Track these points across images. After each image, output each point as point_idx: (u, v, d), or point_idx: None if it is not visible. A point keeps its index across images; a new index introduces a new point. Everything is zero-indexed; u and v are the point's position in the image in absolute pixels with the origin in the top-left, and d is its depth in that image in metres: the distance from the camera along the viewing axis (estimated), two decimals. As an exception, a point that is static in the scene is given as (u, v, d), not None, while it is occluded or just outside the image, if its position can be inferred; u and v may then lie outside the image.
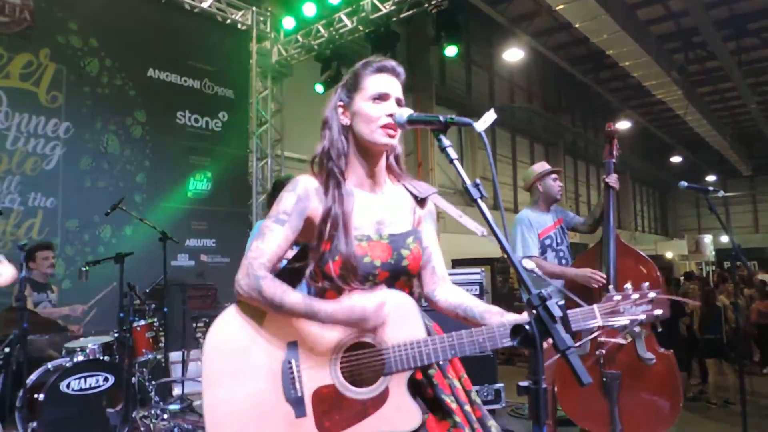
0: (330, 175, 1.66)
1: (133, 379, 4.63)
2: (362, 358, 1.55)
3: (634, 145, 27.24)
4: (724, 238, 22.72)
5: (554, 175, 4.31)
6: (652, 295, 1.60)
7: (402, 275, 1.67)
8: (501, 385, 5.36)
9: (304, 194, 1.66)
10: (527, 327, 1.25)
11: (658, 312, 1.59)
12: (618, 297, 1.60)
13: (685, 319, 6.73)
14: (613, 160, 4.00)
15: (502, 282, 10.61)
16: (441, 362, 1.64)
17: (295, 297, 1.53)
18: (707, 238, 21.99)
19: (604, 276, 3.71)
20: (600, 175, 24.97)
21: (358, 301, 1.54)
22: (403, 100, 1.70)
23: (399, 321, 1.57)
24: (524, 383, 1.27)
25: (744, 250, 4.10)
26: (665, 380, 3.59)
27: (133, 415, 4.38)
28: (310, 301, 1.54)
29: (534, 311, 1.24)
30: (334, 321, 1.53)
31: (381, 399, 1.52)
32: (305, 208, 1.65)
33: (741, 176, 29.99)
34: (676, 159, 28.34)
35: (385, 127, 1.65)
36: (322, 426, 1.50)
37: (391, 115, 1.65)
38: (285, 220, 1.63)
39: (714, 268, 20.60)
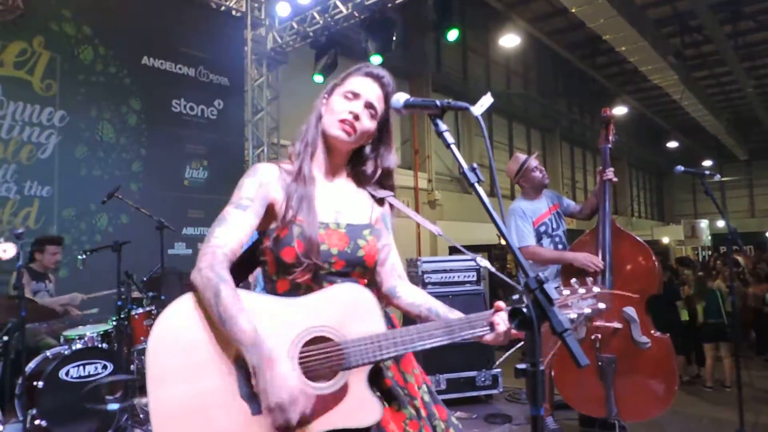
0: (301, 160, 1.69)
1: (132, 367, 4.65)
2: (321, 353, 1.48)
3: (631, 131, 27.25)
4: (720, 223, 22.82)
5: (533, 164, 4.28)
6: (596, 290, 1.68)
7: (357, 266, 1.66)
8: (498, 370, 5.42)
9: (266, 180, 1.65)
10: (525, 310, 1.26)
11: (602, 306, 1.68)
12: (567, 292, 1.68)
13: (680, 303, 6.76)
14: (609, 146, 4.00)
15: (499, 269, 10.64)
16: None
17: (246, 323, 1.39)
18: (703, 223, 22.09)
19: (602, 261, 3.73)
20: (597, 160, 25.04)
21: (287, 382, 1.36)
22: (375, 107, 1.72)
23: (358, 315, 1.53)
24: (521, 366, 1.28)
25: (740, 235, 4.12)
26: (661, 363, 3.63)
27: (133, 403, 4.41)
28: (258, 341, 1.38)
29: (531, 295, 1.25)
30: (261, 385, 1.37)
31: (341, 394, 1.48)
32: (267, 193, 1.63)
33: (737, 161, 30.06)
34: (672, 144, 28.37)
35: (342, 121, 1.68)
36: None
37: (354, 115, 1.67)
38: (248, 206, 1.59)
39: (710, 252, 20.69)
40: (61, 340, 4.54)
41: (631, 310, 3.71)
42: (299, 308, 1.52)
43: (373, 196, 1.80)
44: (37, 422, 3.97)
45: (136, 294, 5.15)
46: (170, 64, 7.74)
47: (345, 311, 1.53)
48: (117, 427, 4.06)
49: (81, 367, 4.20)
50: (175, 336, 1.44)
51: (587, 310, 1.65)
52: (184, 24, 7.97)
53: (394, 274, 1.82)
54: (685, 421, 4.67)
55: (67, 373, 4.14)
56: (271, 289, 1.65)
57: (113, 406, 4.20)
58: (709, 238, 21.93)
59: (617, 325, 3.71)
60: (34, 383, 4.03)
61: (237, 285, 1.49)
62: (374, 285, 1.77)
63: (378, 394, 1.53)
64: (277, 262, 1.60)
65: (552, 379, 3.93)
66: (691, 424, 4.57)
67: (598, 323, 3.74)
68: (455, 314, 1.68)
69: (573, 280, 1.72)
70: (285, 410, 1.34)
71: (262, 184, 1.63)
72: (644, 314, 3.73)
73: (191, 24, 8.05)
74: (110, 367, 4.34)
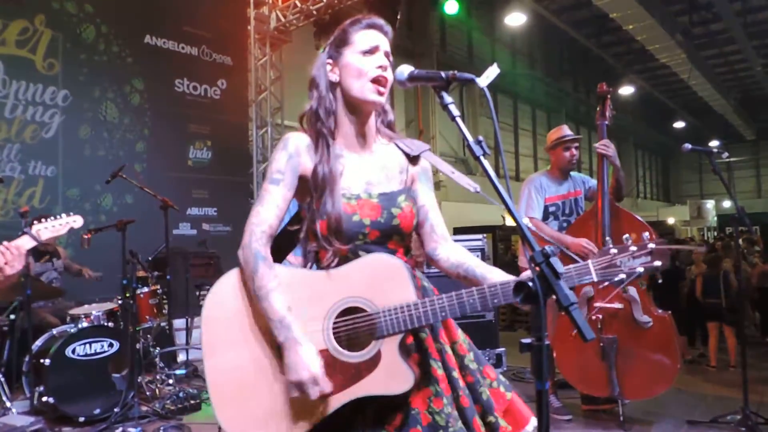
0: (319, 135, 1.66)
1: (138, 345, 4.68)
2: (354, 322, 1.54)
3: (637, 111, 27.03)
4: (727, 204, 22.71)
5: (570, 144, 4.25)
6: (651, 246, 1.50)
7: (394, 234, 1.65)
8: (502, 349, 5.41)
9: (294, 151, 1.65)
10: (530, 284, 1.25)
11: (658, 263, 1.48)
12: (614, 250, 1.51)
13: (684, 284, 6.74)
14: (606, 122, 3.95)
15: (504, 249, 10.64)
16: (434, 325, 1.63)
17: (277, 302, 1.53)
18: (709, 204, 22.01)
19: (596, 248, 3.72)
20: (602, 141, 24.79)
21: (310, 365, 1.48)
22: (390, 54, 1.68)
23: (388, 284, 1.55)
24: (527, 340, 1.26)
25: (746, 215, 4.08)
26: (662, 342, 3.62)
27: (139, 380, 4.44)
28: (286, 321, 1.51)
29: (537, 268, 1.23)
30: (286, 359, 1.51)
31: (374, 362, 1.51)
32: (297, 164, 1.65)
33: (744, 141, 29.87)
34: (679, 124, 28.15)
35: (375, 81, 1.62)
36: None
37: (381, 67, 1.63)
38: (280, 179, 1.63)
39: (716, 233, 20.62)
40: (67, 319, 4.57)
41: (632, 290, 3.69)
42: (333, 280, 1.58)
43: (407, 155, 1.76)
44: (44, 399, 4.01)
45: (141, 273, 5.17)
46: (173, 43, 7.68)
47: (376, 281, 1.55)
48: (124, 404, 4.09)
49: (87, 345, 4.24)
50: (223, 308, 1.62)
51: (640, 269, 1.49)
52: (187, 3, 7.89)
53: (434, 237, 1.77)
54: (688, 399, 4.67)
55: (73, 351, 4.17)
56: (314, 258, 1.67)
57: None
58: (715, 218, 21.85)
59: (618, 305, 3.70)
60: (41, 361, 4.07)
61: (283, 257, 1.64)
62: (415, 250, 1.77)
63: (410, 363, 1.53)
64: (314, 234, 1.62)
65: (554, 358, 3.93)
66: (694, 403, 4.58)
67: (599, 304, 3.73)
68: (494, 274, 1.62)
69: (625, 236, 1.54)
70: (304, 388, 1.48)
71: (291, 156, 1.65)
72: (645, 293, 3.72)
73: (194, 3, 7.96)
74: (116, 345, 4.38)
